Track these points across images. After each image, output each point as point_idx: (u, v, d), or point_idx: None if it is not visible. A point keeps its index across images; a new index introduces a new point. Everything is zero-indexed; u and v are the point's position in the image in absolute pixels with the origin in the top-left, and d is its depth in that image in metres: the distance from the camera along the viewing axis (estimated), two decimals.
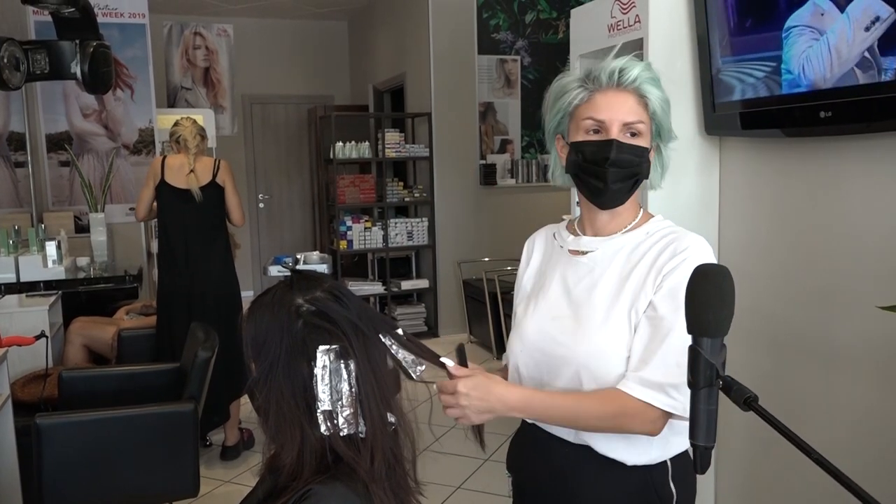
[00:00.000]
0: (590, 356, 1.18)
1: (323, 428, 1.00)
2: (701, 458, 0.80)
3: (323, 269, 3.87)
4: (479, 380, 1.13)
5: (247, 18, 7.41)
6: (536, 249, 1.39)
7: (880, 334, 1.86)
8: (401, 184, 5.97)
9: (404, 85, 6.41)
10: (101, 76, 3.27)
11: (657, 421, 1.14)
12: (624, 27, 2.38)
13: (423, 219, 5.94)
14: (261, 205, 7.90)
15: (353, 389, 1.00)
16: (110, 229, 4.78)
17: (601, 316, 1.20)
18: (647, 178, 1.24)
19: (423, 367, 1.08)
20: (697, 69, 2.28)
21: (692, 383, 0.80)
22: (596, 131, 1.20)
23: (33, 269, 3.93)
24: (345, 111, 7.18)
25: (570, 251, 1.30)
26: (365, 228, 5.79)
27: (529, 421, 1.30)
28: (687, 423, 0.83)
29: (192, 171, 3.43)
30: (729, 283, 0.81)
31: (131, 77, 5.16)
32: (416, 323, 5.97)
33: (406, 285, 5.96)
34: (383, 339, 1.06)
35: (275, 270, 3.77)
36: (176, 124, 3.57)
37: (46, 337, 2.66)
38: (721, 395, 0.78)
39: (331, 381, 1.00)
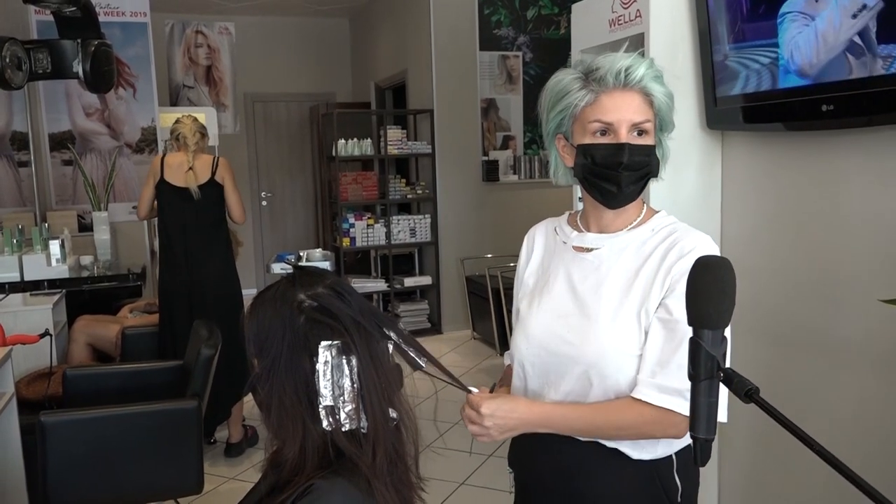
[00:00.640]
0: (598, 355, 1.18)
1: (325, 423, 1.00)
2: (701, 451, 0.80)
3: (325, 266, 3.88)
4: (502, 400, 1.15)
5: (248, 16, 7.41)
6: (537, 244, 1.38)
7: (882, 327, 1.85)
8: (403, 181, 5.97)
9: (406, 82, 6.41)
10: (103, 75, 3.28)
11: (680, 424, 1.14)
12: (625, 22, 2.38)
13: (426, 215, 5.94)
14: (263, 203, 7.91)
15: (355, 385, 1.01)
16: (113, 228, 4.79)
17: (609, 315, 1.19)
18: (656, 175, 1.24)
19: (425, 360, 1.09)
20: (699, 63, 2.28)
21: (692, 376, 0.80)
22: (603, 133, 1.19)
23: (37, 268, 3.94)
24: (347, 108, 7.18)
25: (574, 247, 1.29)
26: (367, 225, 5.79)
27: None
28: None
29: (190, 168, 3.42)
30: (730, 274, 0.80)
31: (133, 76, 5.17)
32: (420, 320, 5.98)
33: (409, 282, 5.96)
34: (386, 335, 1.06)
35: (278, 268, 3.77)
36: (177, 122, 3.57)
37: (50, 335, 2.67)
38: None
39: (332, 377, 1.00)
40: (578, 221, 1.32)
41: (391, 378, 1.05)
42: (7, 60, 2.94)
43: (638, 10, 2.30)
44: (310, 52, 7.79)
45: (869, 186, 1.90)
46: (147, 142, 5.22)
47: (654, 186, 2.31)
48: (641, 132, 1.20)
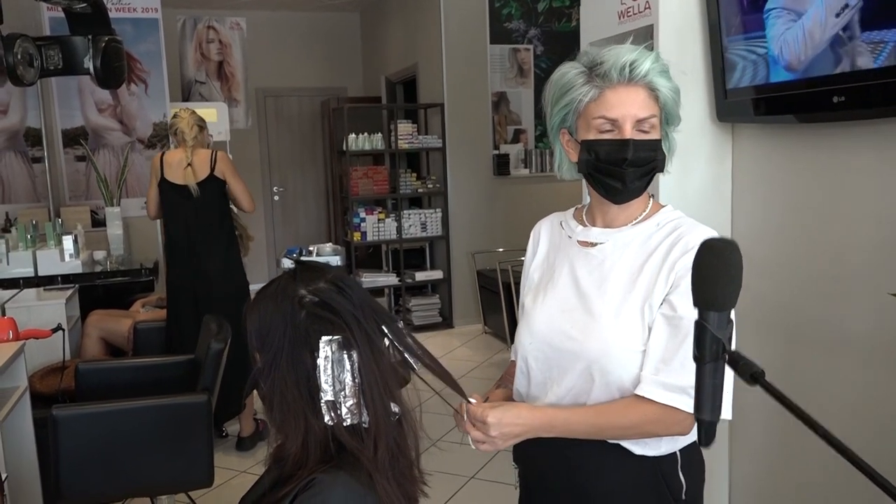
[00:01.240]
0: (601, 351, 1.17)
1: (326, 418, 1.00)
2: (706, 433, 0.79)
3: (336, 260, 3.89)
4: (505, 408, 1.15)
5: (259, 11, 7.42)
6: (543, 238, 1.37)
7: (893, 321, 1.83)
8: (414, 175, 5.97)
9: (417, 76, 6.40)
10: (114, 71, 3.29)
11: (684, 422, 1.14)
12: (634, 14, 2.36)
13: (437, 210, 5.94)
14: (275, 197, 7.94)
15: (356, 380, 1.01)
16: (126, 223, 4.82)
17: (613, 310, 1.19)
18: (662, 170, 1.23)
19: (419, 364, 1.09)
20: (708, 55, 2.26)
21: (698, 358, 0.78)
22: (608, 128, 1.18)
23: (51, 263, 3.97)
24: (358, 103, 7.19)
25: (579, 242, 1.29)
26: (378, 220, 5.80)
27: None
28: None
29: (189, 164, 3.40)
30: (736, 256, 0.78)
31: (145, 71, 5.20)
32: (431, 314, 5.98)
33: (420, 276, 5.96)
34: (386, 331, 1.06)
35: (288, 263, 3.77)
36: (174, 116, 3.55)
37: (63, 330, 2.70)
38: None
39: (333, 372, 1.00)
40: (584, 216, 1.32)
41: (392, 372, 1.06)
42: (19, 57, 2.95)
43: (647, 1, 2.28)
44: (321, 47, 7.80)
45: (881, 179, 1.87)
46: (159, 137, 5.25)
47: (663, 180, 2.29)
48: (647, 127, 1.18)
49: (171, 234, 3.53)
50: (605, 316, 1.19)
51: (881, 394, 1.91)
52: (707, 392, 0.78)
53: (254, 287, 3.67)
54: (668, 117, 1.22)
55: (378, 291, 6.22)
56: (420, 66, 6.32)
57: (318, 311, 1.02)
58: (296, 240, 7.70)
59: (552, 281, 1.29)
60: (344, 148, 5.78)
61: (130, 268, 4.29)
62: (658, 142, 1.20)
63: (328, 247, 4.00)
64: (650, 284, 1.17)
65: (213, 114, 5.46)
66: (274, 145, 7.88)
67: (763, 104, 2.09)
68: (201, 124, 3.53)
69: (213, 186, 3.45)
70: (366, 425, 1.02)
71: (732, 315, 0.81)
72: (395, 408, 1.05)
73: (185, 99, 7.15)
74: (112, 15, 3.44)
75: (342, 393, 1.00)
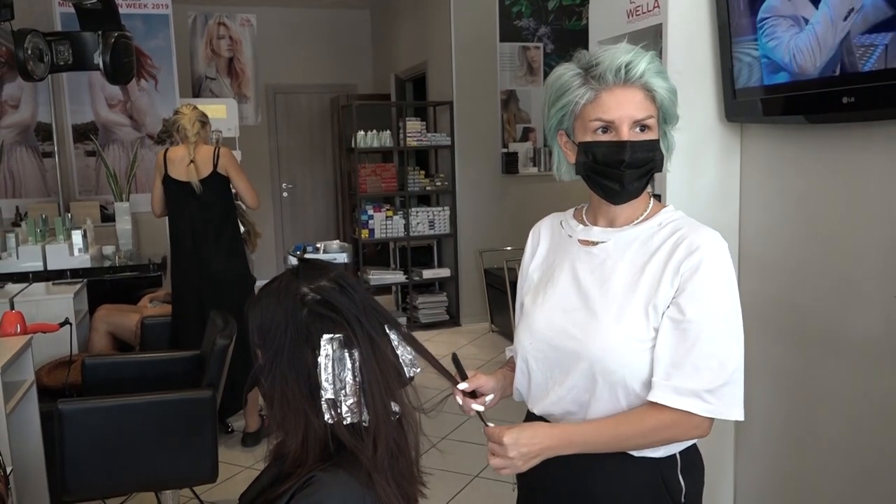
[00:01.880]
0: (604, 351, 1.17)
1: (327, 416, 1.00)
2: None
3: (343, 257, 3.90)
4: (520, 428, 1.14)
5: (270, 8, 7.44)
6: (543, 238, 1.37)
7: None
8: (422, 172, 5.96)
9: (426, 73, 6.40)
10: (123, 67, 3.30)
11: (701, 425, 1.14)
12: (643, 12, 2.34)
13: (445, 207, 5.94)
14: (284, 194, 7.96)
15: (357, 378, 1.01)
16: (135, 218, 4.84)
17: (615, 310, 1.18)
18: (660, 170, 1.22)
19: (419, 369, 1.09)
20: (717, 54, 2.24)
21: None
22: (604, 130, 1.17)
23: (60, 257, 4.00)
24: (367, 100, 7.19)
25: (579, 241, 1.28)
26: (386, 217, 5.80)
27: (536, 413, 1.29)
28: None
29: (192, 161, 3.39)
30: None
31: (155, 67, 5.21)
32: (438, 312, 5.98)
33: (428, 274, 5.96)
34: (387, 332, 1.06)
35: (293, 260, 3.79)
36: (176, 113, 3.54)
37: (70, 324, 2.71)
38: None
39: (334, 370, 1.00)
40: (584, 216, 1.31)
41: (393, 372, 1.05)
42: (29, 52, 2.98)
43: (656, 0, 2.27)
44: (331, 44, 7.80)
45: (891, 179, 1.85)
46: (168, 133, 5.26)
47: (671, 180, 2.28)
48: (644, 128, 1.17)
49: (175, 231, 3.53)
50: (607, 315, 1.18)
51: (891, 396, 1.89)
52: None
53: (261, 283, 3.68)
54: (665, 117, 1.21)
55: (385, 289, 6.22)
56: (430, 63, 6.31)
57: (320, 310, 1.02)
58: (304, 236, 7.71)
59: (552, 280, 1.28)
60: (353, 145, 5.78)
61: (139, 263, 4.32)
62: (656, 142, 1.19)
63: (335, 244, 4.00)
64: (653, 285, 1.16)
65: (222, 110, 5.46)
66: (283, 142, 7.90)
67: (772, 104, 2.08)
68: (203, 120, 3.51)
69: (217, 183, 3.45)
70: (366, 424, 1.01)
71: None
72: (395, 407, 1.05)
73: (196, 95, 7.17)
74: (123, 11, 3.46)
75: (342, 391, 1.00)
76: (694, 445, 1.24)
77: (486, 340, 5.51)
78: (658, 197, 2.32)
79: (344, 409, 1.00)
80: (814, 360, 2.12)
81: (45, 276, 3.93)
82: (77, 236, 4.03)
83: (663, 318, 1.15)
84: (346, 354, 1.01)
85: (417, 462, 1.08)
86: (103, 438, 2.25)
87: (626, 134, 1.16)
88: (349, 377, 1.01)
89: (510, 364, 1.37)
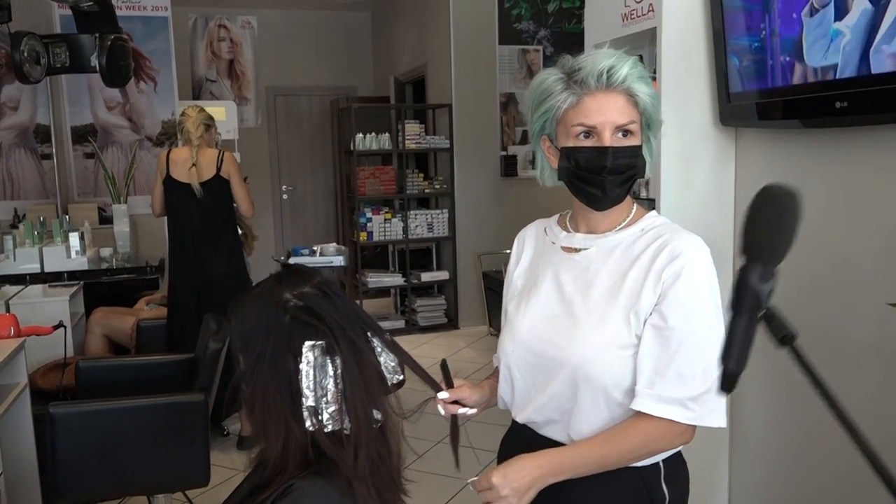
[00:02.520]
0: (585, 358, 1.16)
1: (308, 423, 0.99)
2: (728, 381, 0.76)
3: (339, 260, 3.89)
4: (505, 465, 1.12)
5: (270, 10, 7.44)
6: (528, 244, 1.36)
7: None
8: (421, 175, 5.96)
9: (426, 76, 6.39)
10: (120, 69, 3.30)
11: (685, 433, 1.14)
12: (637, 16, 2.34)
13: (444, 210, 5.93)
14: (284, 196, 7.96)
15: (339, 386, 1.00)
16: (133, 220, 4.84)
17: (597, 317, 1.17)
18: (642, 176, 1.21)
19: (402, 376, 1.08)
20: (712, 58, 2.23)
21: (734, 306, 0.75)
22: (587, 135, 1.17)
23: (57, 259, 4.00)
24: (367, 102, 7.19)
25: (562, 248, 1.27)
26: (385, 220, 5.79)
27: (520, 422, 1.28)
28: None
29: (194, 164, 3.39)
30: (792, 207, 0.75)
31: (154, 69, 5.22)
32: (437, 315, 5.97)
33: (426, 277, 5.95)
34: (370, 339, 1.06)
35: (291, 262, 3.78)
36: (182, 114, 3.54)
37: (64, 327, 2.71)
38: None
39: (315, 377, 1.00)
40: (567, 222, 1.30)
41: (376, 379, 1.05)
42: (25, 55, 2.97)
43: (651, 3, 2.26)
44: (331, 46, 7.81)
45: (886, 185, 1.84)
46: (167, 135, 5.27)
47: (666, 184, 2.27)
48: (626, 133, 1.17)
49: (174, 232, 3.53)
50: (589, 322, 1.17)
51: (887, 402, 1.88)
52: (737, 342, 0.75)
53: None
54: (648, 122, 1.20)
55: (384, 291, 6.20)
56: (429, 66, 6.31)
57: (302, 316, 1.02)
58: (304, 239, 7.70)
59: (535, 287, 1.27)
60: (352, 147, 5.78)
61: (136, 265, 4.32)
62: (638, 148, 1.18)
63: (332, 247, 4.00)
64: (635, 292, 1.15)
65: (222, 112, 5.46)
66: (283, 144, 7.90)
67: (767, 108, 2.07)
68: (208, 123, 3.50)
69: (219, 186, 3.44)
70: (347, 432, 1.01)
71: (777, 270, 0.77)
72: (377, 415, 1.04)
73: (196, 97, 7.18)
74: (121, 13, 3.46)
75: (324, 399, 1.00)
76: (678, 453, 1.23)
77: (484, 343, 5.50)
78: (653, 201, 2.32)
79: (325, 416, 0.99)
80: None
81: (42, 278, 3.93)
82: (75, 238, 4.03)
83: (645, 326, 1.14)
84: (328, 361, 1.00)
85: (399, 469, 1.07)
86: (95, 442, 2.24)
87: (609, 139, 1.15)
88: (331, 384, 1.00)
89: (497, 374, 1.36)
